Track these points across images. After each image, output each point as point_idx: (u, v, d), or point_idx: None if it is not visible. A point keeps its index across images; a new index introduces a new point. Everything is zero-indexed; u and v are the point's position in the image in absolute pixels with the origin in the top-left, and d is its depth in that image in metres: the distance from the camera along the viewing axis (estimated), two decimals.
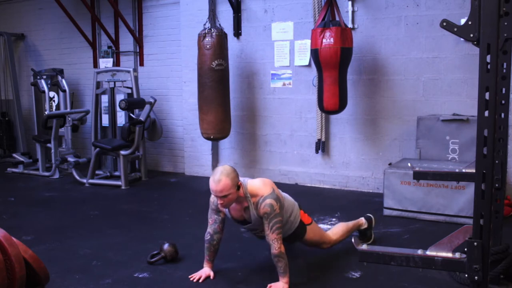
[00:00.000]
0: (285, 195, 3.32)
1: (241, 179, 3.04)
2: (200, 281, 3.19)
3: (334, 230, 3.61)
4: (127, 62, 7.12)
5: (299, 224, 3.33)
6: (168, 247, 3.50)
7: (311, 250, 3.51)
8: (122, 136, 5.93)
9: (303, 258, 3.55)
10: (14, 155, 7.03)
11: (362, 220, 3.77)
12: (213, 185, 2.90)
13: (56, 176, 6.54)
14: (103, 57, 7.02)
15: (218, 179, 2.88)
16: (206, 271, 3.26)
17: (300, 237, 3.38)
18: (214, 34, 5.55)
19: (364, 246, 2.32)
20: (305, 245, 3.47)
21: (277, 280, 3.05)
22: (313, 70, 5.55)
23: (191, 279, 3.21)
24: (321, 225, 4.32)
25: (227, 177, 2.89)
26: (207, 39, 5.56)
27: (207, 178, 6.28)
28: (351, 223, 3.70)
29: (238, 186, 2.94)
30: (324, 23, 5.01)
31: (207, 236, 3.23)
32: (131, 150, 6.02)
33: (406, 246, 3.58)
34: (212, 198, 3.15)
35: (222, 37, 5.62)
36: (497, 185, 2.56)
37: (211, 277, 3.22)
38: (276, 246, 2.97)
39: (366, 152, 5.58)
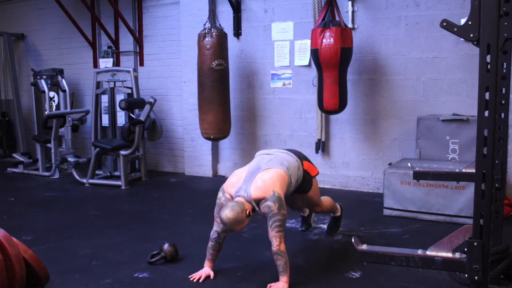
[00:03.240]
0: (290, 159, 3.31)
1: (243, 185, 3.08)
2: (200, 281, 3.19)
3: (325, 199, 3.82)
4: (127, 62, 7.12)
5: (305, 178, 3.42)
6: (168, 247, 3.50)
7: (311, 250, 3.51)
8: (122, 136, 5.93)
9: (303, 258, 3.55)
10: (14, 155, 7.03)
11: (338, 206, 3.99)
12: (226, 221, 2.95)
13: (56, 176, 6.54)
14: (103, 57, 7.02)
15: (228, 219, 2.93)
16: (206, 271, 3.26)
17: (306, 190, 3.48)
18: (214, 34, 5.55)
19: (364, 246, 2.32)
20: (303, 204, 3.59)
21: (277, 279, 3.05)
22: (313, 70, 5.56)
23: (191, 279, 3.21)
24: (321, 225, 4.32)
25: (235, 214, 2.93)
26: (207, 39, 5.56)
27: (207, 178, 6.37)
28: (333, 202, 3.90)
29: (248, 215, 3.00)
30: (324, 23, 5.01)
31: (214, 235, 3.23)
32: (131, 150, 6.02)
33: (406, 246, 3.58)
34: (219, 199, 3.17)
35: (222, 37, 5.62)
36: (497, 185, 2.56)
37: (211, 277, 3.22)
38: (275, 243, 2.98)
39: (366, 152, 5.58)
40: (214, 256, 3.27)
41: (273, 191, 3.03)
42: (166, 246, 3.51)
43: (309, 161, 3.53)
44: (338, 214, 3.95)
